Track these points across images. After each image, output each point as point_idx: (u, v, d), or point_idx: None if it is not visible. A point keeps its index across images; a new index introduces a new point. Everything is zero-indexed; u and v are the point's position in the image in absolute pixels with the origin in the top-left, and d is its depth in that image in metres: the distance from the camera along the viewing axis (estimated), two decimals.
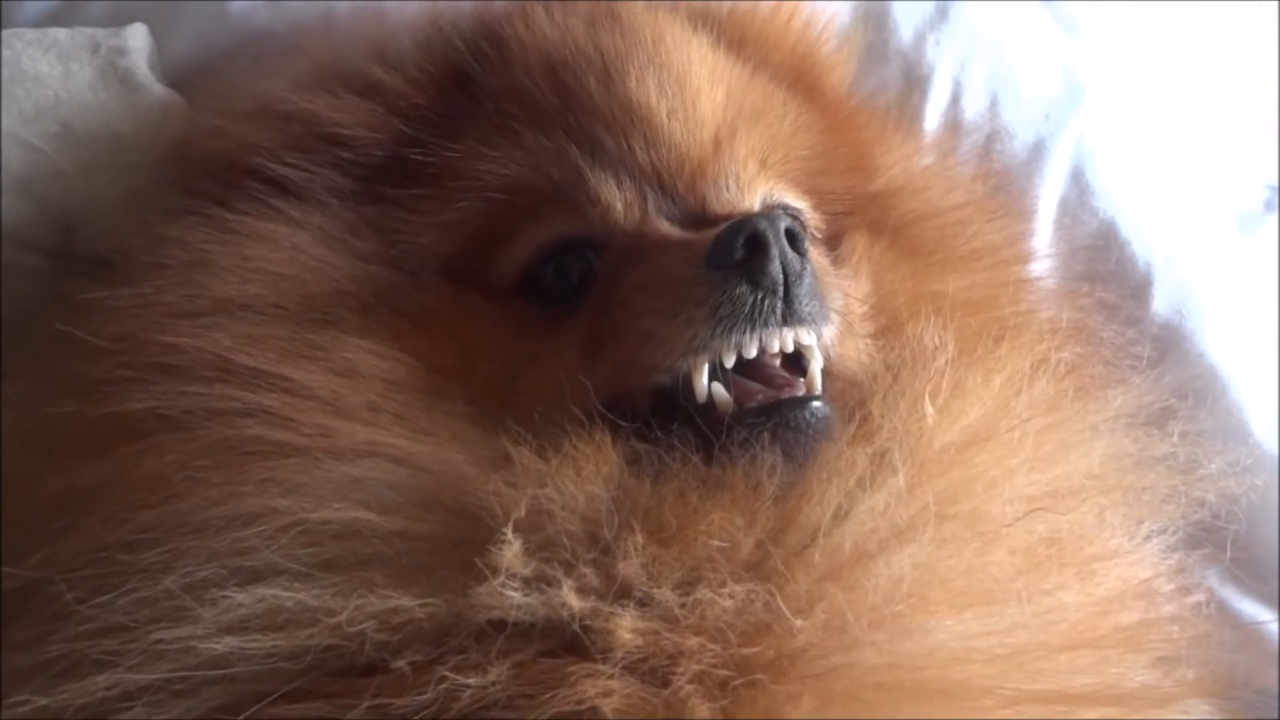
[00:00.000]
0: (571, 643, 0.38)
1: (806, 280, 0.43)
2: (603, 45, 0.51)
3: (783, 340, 0.43)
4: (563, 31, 0.52)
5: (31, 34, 0.55)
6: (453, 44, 0.54)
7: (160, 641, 0.38)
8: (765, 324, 0.42)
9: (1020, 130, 0.69)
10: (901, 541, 0.40)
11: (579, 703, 0.37)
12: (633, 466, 0.42)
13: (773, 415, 0.42)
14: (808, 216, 0.52)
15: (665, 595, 0.38)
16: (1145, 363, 0.64)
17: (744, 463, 0.41)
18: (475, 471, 0.41)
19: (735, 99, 0.52)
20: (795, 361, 0.44)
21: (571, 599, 0.38)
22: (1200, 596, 0.57)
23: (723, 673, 0.37)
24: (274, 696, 0.37)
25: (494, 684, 0.37)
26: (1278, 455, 0.65)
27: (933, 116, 0.67)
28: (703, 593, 0.38)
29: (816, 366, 0.44)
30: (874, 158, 0.57)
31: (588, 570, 0.39)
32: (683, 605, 0.38)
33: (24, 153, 0.51)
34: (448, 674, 0.36)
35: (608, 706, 0.37)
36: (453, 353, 0.46)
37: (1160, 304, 0.67)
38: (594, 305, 0.46)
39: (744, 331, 0.42)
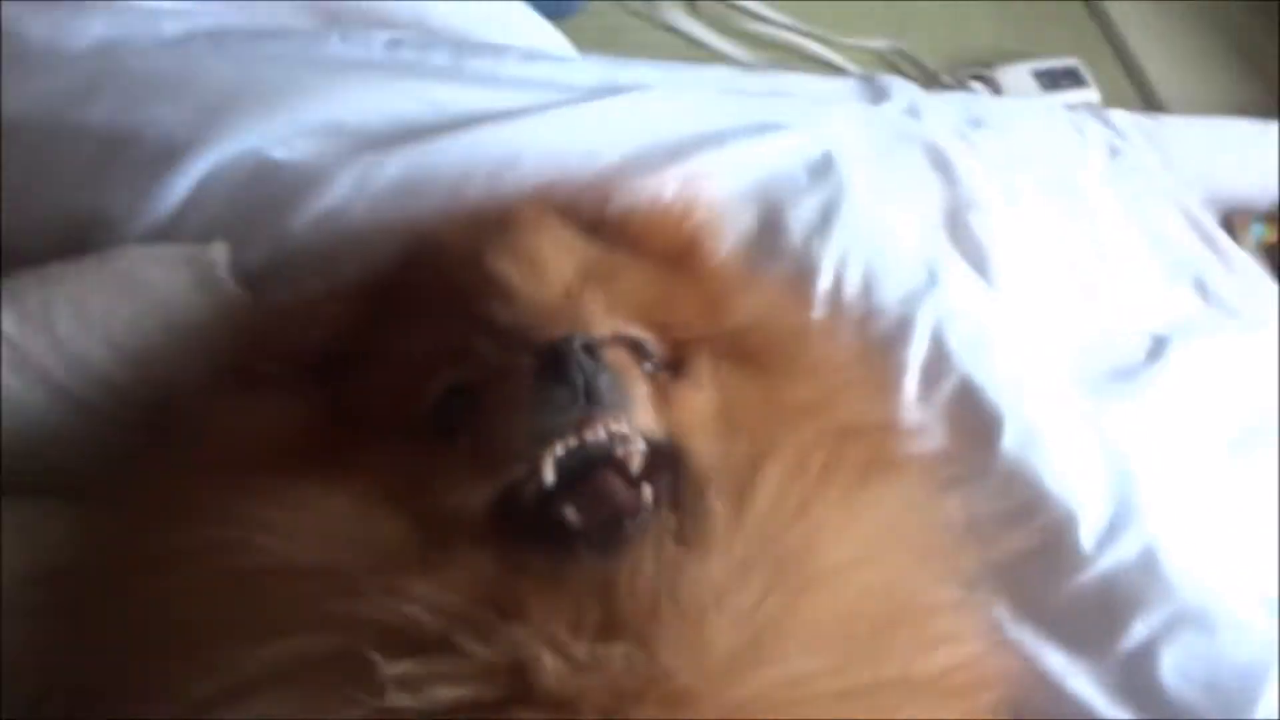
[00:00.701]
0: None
1: (604, 377, 0.54)
2: (477, 241, 0.66)
3: (595, 431, 0.54)
4: (451, 239, 0.68)
5: (143, 250, 0.75)
6: (384, 263, 0.71)
7: None
8: (573, 411, 0.54)
9: (890, 307, 0.86)
10: (739, 595, 0.51)
11: None
12: (505, 565, 0.51)
13: (606, 526, 0.54)
14: (651, 344, 0.64)
15: (557, 658, 0.48)
16: (987, 492, 0.80)
17: (588, 559, 0.51)
18: (367, 587, 0.50)
19: (584, 265, 0.65)
20: (646, 475, 0.56)
21: (443, 693, 0.47)
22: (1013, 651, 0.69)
23: (619, 715, 0.47)
24: None
25: None
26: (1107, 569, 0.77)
27: (819, 298, 0.85)
28: (587, 651, 0.49)
29: (651, 442, 0.57)
30: (725, 304, 0.70)
31: (455, 663, 0.48)
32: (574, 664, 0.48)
33: (140, 338, 0.69)
34: None
35: None
36: (377, 485, 0.57)
37: (1009, 442, 0.81)
38: (472, 426, 0.57)
39: (559, 417, 0.54)
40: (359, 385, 0.65)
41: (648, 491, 0.56)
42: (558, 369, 0.55)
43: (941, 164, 1.05)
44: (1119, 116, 1.38)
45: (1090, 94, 1.77)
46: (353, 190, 0.80)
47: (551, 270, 0.64)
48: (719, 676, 0.49)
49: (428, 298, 0.66)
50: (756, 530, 0.55)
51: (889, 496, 0.62)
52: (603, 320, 0.62)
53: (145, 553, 0.57)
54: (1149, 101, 2.01)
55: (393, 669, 0.48)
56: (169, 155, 0.80)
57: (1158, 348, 1.02)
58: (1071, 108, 1.43)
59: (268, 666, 0.50)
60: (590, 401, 0.55)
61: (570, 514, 0.54)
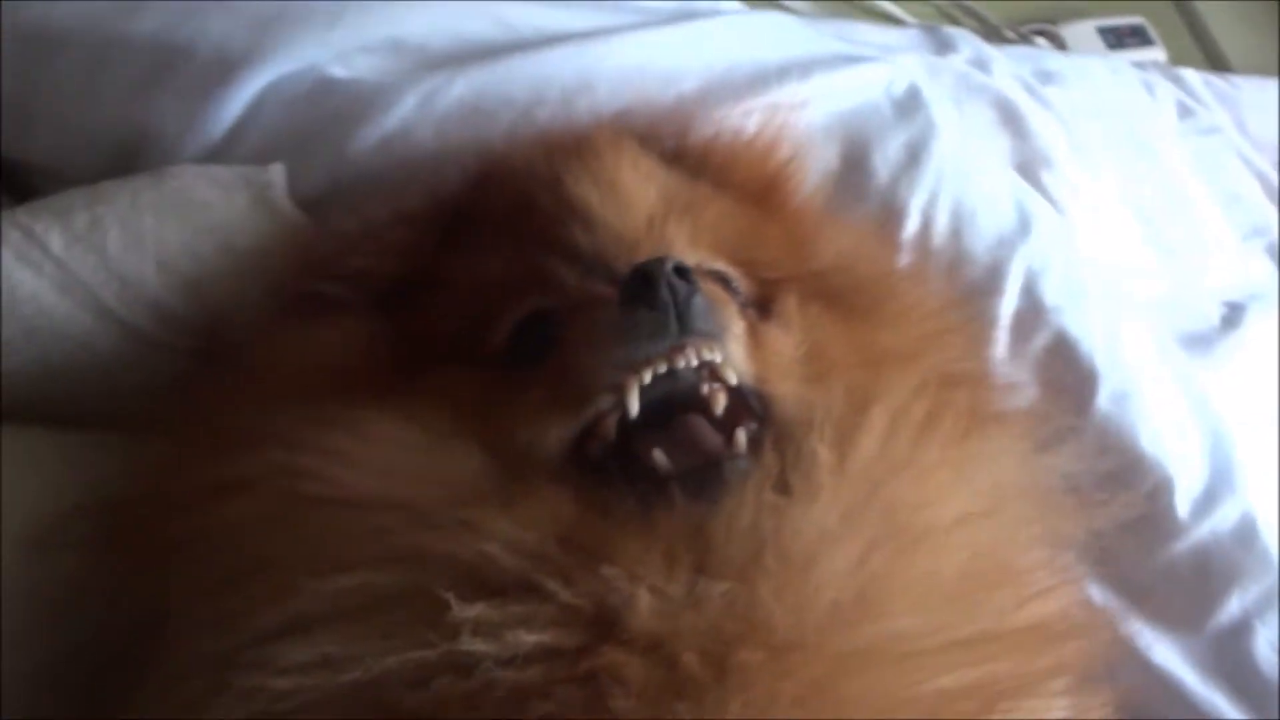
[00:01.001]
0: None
1: (697, 301, 0.51)
2: (555, 165, 0.63)
3: (688, 356, 0.51)
4: (528, 161, 0.66)
5: (198, 169, 0.71)
6: (453, 186, 0.68)
7: (244, 684, 0.45)
8: (664, 338, 0.51)
9: (980, 254, 0.82)
10: (845, 546, 0.48)
11: (595, 672, 0.43)
12: (585, 505, 0.49)
13: (699, 473, 0.51)
14: (737, 281, 0.61)
15: (652, 595, 0.46)
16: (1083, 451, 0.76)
17: (680, 503, 0.49)
18: (440, 522, 0.47)
19: (667, 195, 0.62)
20: (730, 419, 0.53)
21: (522, 638, 0.44)
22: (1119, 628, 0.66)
23: (719, 656, 0.45)
24: None
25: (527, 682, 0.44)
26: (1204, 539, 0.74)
27: (906, 242, 0.81)
28: (685, 590, 0.46)
29: (741, 387, 0.53)
30: (810, 244, 0.68)
31: (535, 607, 0.45)
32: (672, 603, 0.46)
33: (195, 261, 0.66)
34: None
35: (625, 676, 0.43)
36: (449, 417, 0.54)
37: (1103, 400, 0.78)
38: (550, 358, 0.55)
39: (649, 345, 0.51)
40: (428, 313, 0.62)
41: (741, 436, 0.53)
42: (647, 292, 0.51)
43: (1012, 118, 1.00)
44: (1189, 75, 1.33)
45: (1157, 52, 1.69)
46: (416, 112, 0.76)
47: (634, 197, 0.61)
48: (823, 629, 0.47)
49: (500, 222, 0.63)
50: (862, 478, 0.52)
51: (993, 453, 0.59)
52: (687, 252, 0.59)
53: (207, 480, 0.54)
54: (1214, 61, 1.93)
55: (468, 610, 0.45)
56: (222, 70, 0.76)
57: (1234, 315, 0.98)
58: (1140, 65, 1.37)
59: (332, 601, 0.47)
60: (682, 328, 0.52)
61: (659, 458, 0.51)
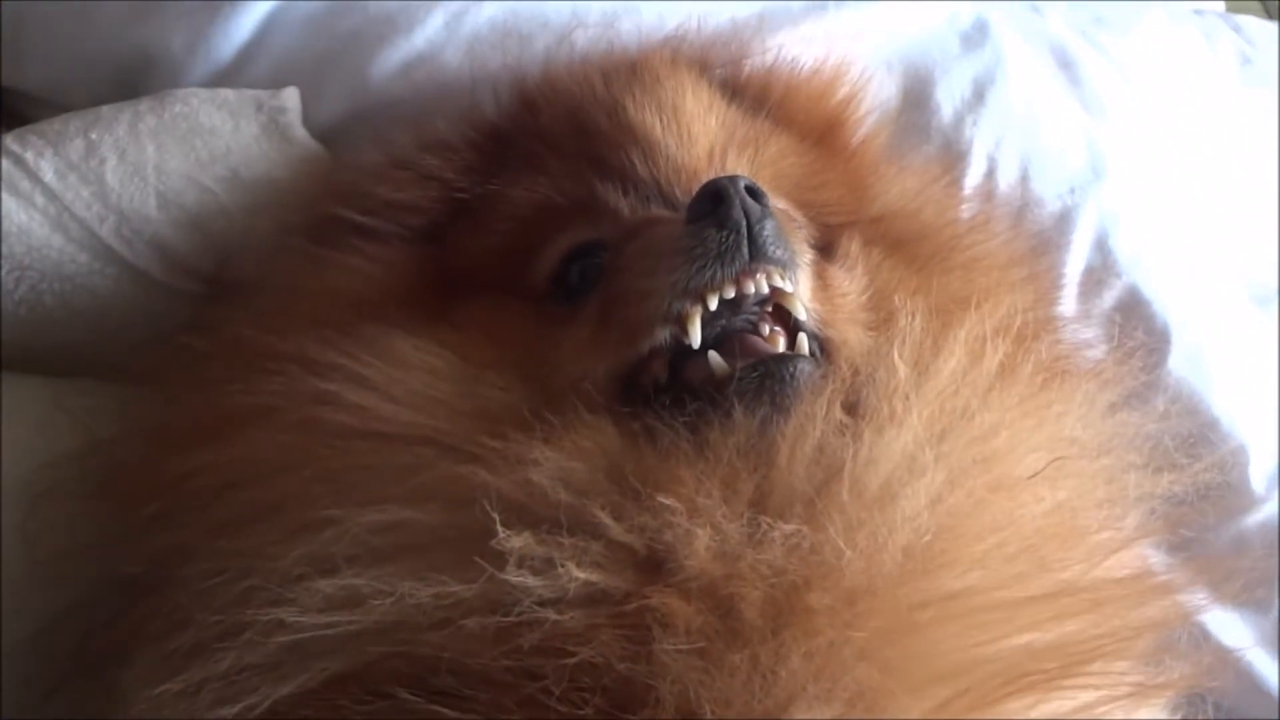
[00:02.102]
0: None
1: (769, 224, 0.47)
2: (613, 88, 0.59)
3: (758, 282, 0.47)
4: (581, 83, 0.61)
5: (205, 93, 0.65)
6: (491, 110, 0.64)
7: (263, 622, 0.42)
8: (734, 260, 0.47)
9: (1048, 201, 0.75)
10: (925, 483, 0.44)
11: (642, 616, 0.39)
12: (633, 438, 0.45)
13: (760, 368, 0.46)
14: (800, 222, 0.57)
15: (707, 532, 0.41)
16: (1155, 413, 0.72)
17: (742, 421, 0.44)
18: (480, 453, 0.44)
19: (727, 127, 0.59)
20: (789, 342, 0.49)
21: (575, 572, 0.41)
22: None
23: (780, 603, 0.40)
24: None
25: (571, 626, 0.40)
26: (1278, 512, 0.70)
27: (970, 187, 0.74)
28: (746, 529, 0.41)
29: (804, 325, 0.49)
30: (871, 186, 0.63)
31: (587, 541, 0.41)
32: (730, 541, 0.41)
33: (198, 193, 0.61)
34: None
35: (675, 622, 0.39)
36: (488, 347, 0.51)
37: (1176, 361, 0.72)
38: (601, 287, 0.51)
39: (716, 267, 0.47)
40: (466, 242, 0.57)
41: (804, 340, 0.49)
42: (718, 209, 0.47)
43: (1066, 63, 0.93)
44: (1249, 23, 1.25)
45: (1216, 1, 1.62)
46: (444, 32, 0.69)
47: (696, 127, 0.57)
48: (895, 575, 0.42)
49: (547, 148, 0.59)
50: (943, 403, 0.47)
51: (1069, 407, 0.54)
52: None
53: (221, 411, 0.50)
54: (1270, 10, 1.85)
55: (514, 540, 0.41)
56: None
57: None
58: (1198, 13, 1.30)
59: (362, 537, 0.43)
60: (753, 251, 0.47)
61: (715, 360, 0.46)
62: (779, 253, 0.48)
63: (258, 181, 0.62)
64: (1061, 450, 0.50)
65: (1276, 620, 0.68)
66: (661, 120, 0.56)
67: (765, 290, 0.48)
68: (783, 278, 0.48)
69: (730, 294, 0.47)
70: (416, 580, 0.42)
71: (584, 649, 0.39)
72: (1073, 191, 0.76)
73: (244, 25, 0.69)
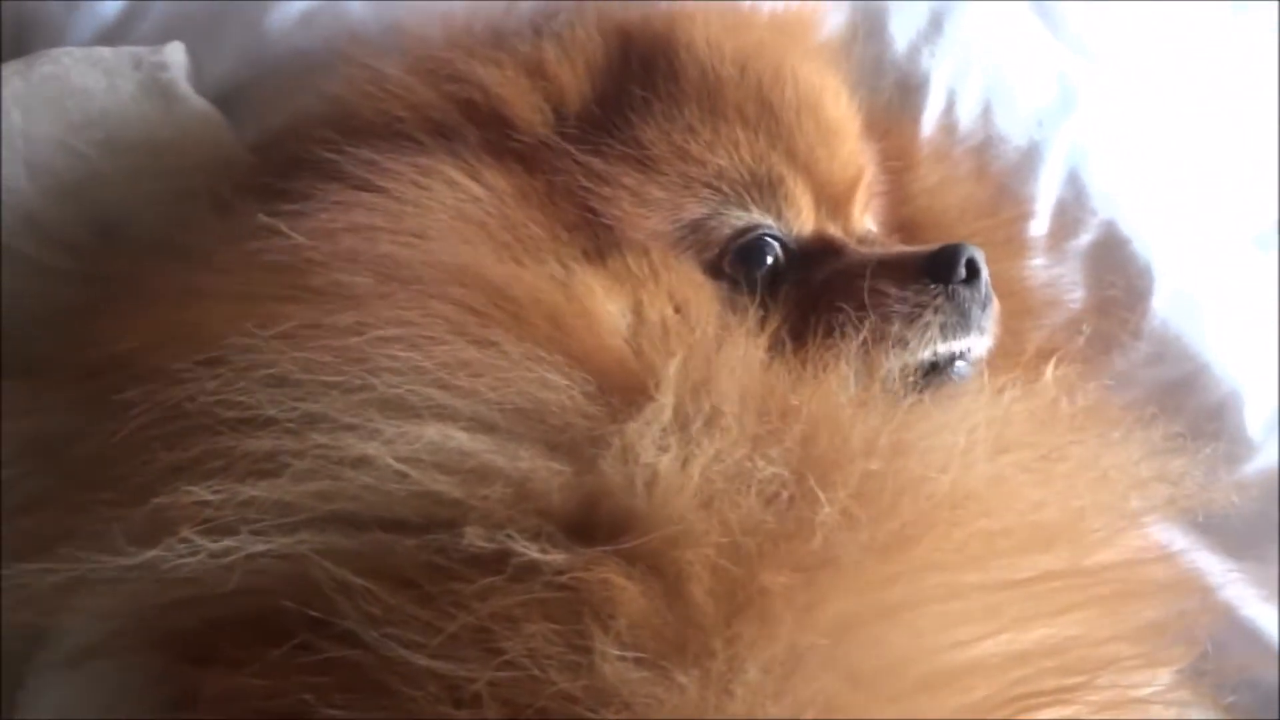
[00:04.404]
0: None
1: (989, 304, 0.54)
2: (797, 70, 0.58)
3: (962, 344, 0.53)
4: (753, 43, 0.58)
5: (79, 52, 0.59)
6: (620, 37, 0.57)
7: (335, 449, 0.39)
8: (969, 331, 0.53)
9: (1014, 136, 0.70)
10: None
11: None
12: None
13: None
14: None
15: None
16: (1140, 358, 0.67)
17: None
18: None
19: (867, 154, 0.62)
20: None
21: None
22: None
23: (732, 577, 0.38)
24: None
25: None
26: (1277, 460, 0.66)
27: (928, 125, 0.69)
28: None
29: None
30: (908, 186, 0.65)
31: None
32: None
33: (70, 159, 0.55)
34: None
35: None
36: (670, 306, 0.50)
37: (1160, 303, 0.68)
38: (790, 297, 0.53)
39: (963, 335, 0.52)
40: (616, 180, 0.53)
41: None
42: (970, 281, 0.52)
43: (1043, 10, 0.88)
44: None
45: None
46: None
47: (847, 128, 0.59)
48: (864, 545, 0.39)
49: (734, 113, 0.56)
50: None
51: (1056, 393, 0.53)
52: (864, 212, 0.60)
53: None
54: None
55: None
56: None
57: None
58: None
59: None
60: (967, 319, 0.53)
61: None
62: (985, 325, 0.54)
63: (137, 144, 0.57)
64: (1056, 433, 0.50)
65: (1278, 571, 0.64)
66: (837, 134, 0.58)
67: (955, 351, 0.53)
68: (977, 340, 0.54)
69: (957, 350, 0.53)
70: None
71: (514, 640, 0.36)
72: (1041, 124, 0.71)
73: None
